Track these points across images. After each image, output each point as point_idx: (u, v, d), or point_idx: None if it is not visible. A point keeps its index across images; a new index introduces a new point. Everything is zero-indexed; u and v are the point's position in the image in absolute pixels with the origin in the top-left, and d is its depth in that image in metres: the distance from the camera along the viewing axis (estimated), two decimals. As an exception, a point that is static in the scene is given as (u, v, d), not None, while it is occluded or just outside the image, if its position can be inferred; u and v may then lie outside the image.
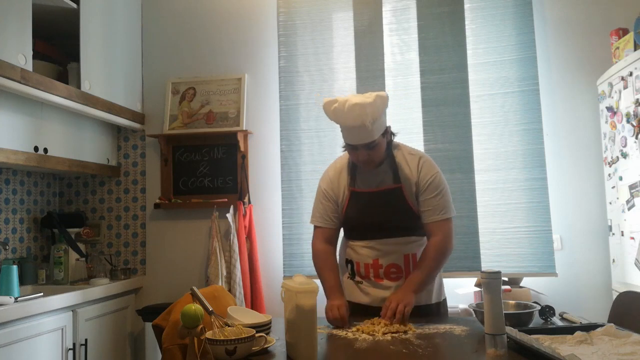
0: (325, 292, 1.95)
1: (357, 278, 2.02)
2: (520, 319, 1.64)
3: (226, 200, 3.17)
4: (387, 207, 1.96)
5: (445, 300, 2.10)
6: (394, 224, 1.96)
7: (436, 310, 2.02)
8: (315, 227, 2.08)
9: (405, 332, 1.68)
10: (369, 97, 1.82)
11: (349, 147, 1.93)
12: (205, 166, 3.31)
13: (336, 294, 1.91)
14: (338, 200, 2.02)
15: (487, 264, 2.91)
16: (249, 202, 3.22)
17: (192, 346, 1.33)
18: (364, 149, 1.88)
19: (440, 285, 2.08)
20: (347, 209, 2.01)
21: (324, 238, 2.04)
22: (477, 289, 2.83)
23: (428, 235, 1.98)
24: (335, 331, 1.74)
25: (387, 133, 1.96)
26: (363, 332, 1.68)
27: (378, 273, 1.97)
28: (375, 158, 1.93)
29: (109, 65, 3.07)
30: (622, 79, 2.49)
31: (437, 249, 1.93)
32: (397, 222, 1.97)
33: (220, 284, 2.96)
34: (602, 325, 1.49)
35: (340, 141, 3.08)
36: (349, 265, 2.04)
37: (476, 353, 1.45)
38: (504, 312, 1.42)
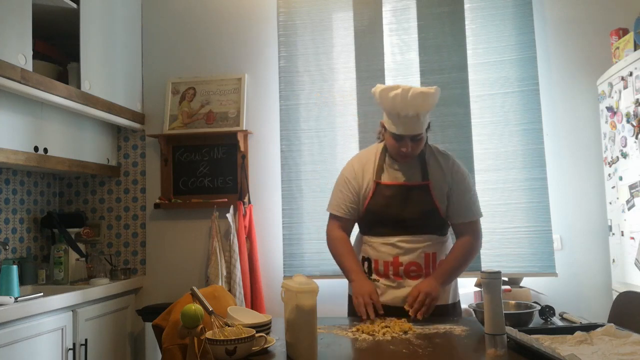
0: (348, 275, 1.93)
1: (374, 276, 1.98)
2: (520, 319, 1.64)
3: (226, 200, 3.17)
4: (411, 203, 1.94)
5: (459, 302, 2.10)
6: (418, 220, 1.94)
7: (452, 311, 2.02)
8: (332, 216, 2.06)
9: (405, 332, 1.68)
10: (431, 88, 1.84)
11: (395, 137, 1.90)
12: (205, 166, 3.31)
13: (363, 280, 1.87)
14: (360, 192, 2.00)
15: (487, 264, 2.91)
16: (249, 202, 3.22)
17: (192, 346, 1.33)
18: (410, 140, 1.88)
19: (457, 286, 2.08)
20: (369, 202, 1.98)
21: (339, 227, 2.03)
22: (477, 289, 2.83)
23: (458, 235, 2.00)
24: (335, 331, 1.73)
25: (429, 129, 1.98)
26: (363, 332, 1.68)
27: (398, 271, 1.94)
28: (416, 151, 1.93)
29: (109, 65, 3.07)
30: (622, 79, 2.49)
31: (468, 247, 1.95)
32: (421, 219, 1.94)
33: (220, 284, 2.96)
34: (602, 325, 1.49)
35: (340, 140, 3.07)
36: (366, 263, 2.01)
37: (476, 353, 1.45)
38: (504, 312, 1.42)
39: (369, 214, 1.99)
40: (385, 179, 1.98)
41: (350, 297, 2.08)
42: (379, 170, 1.99)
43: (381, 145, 2.05)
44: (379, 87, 1.90)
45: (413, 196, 1.94)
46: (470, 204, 1.99)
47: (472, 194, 2.01)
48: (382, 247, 1.96)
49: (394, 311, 1.85)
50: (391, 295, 1.94)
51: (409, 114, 1.82)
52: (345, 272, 1.96)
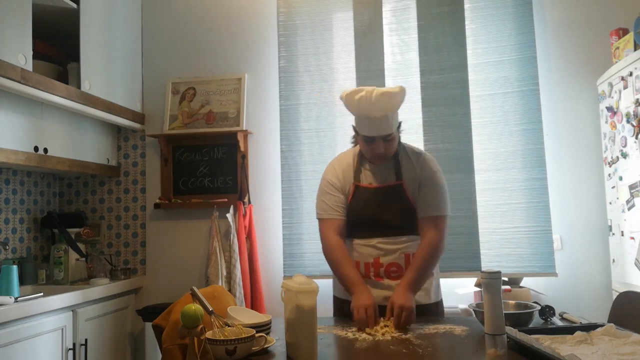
0: (349, 288, 1.89)
1: None
2: (520, 319, 1.64)
3: (226, 200, 3.17)
4: (389, 204, 1.96)
5: (442, 301, 2.09)
6: (396, 221, 1.96)
7: (434, 311, 2.02)
8: (324, 220, 2.01)
9: (405, 332, 1.68)
10: (394, 88, 1.85)
11: (366, 139, 1.92)
12: (205, 166, 3.31)
13: (363, 292, 1.84)
14: (345, 192, 2.00)
15: (487, 264, 2.91)
16: (249, 202, 3.22)
17: (192, 346, 1.33)
18: (382, 141, 1.89)
19: (438, 285, 2.07)
20: (350, 204, 1.99)
21: (336, 230, 1.99)
22: (477, 289, 2.83)
23: (421, 231, 1.96)
24: (335, 331, 1.73)
25: (399, 128, 1.98)
26: (363, 332, 1.68)
27: (379, 272, 1.96)
28: (389, 152, 1.94)
29: (109, 65, 3.07)
30: (622, 79, 2.49)
31: (431, 247, 1.92)
32: (399, 220, 1.96)
33: (220, 284, 2.96)
34: (602, 325, 1.49)
35: (340, 140, 3.07)
36: None
37: (476, 353, 1.45)
38: (504, 312, 1.42)
39: (349, 216, 2.00)
40: (363, 181, 2.00)
41: (335, 299, 2.10)
42: (357, 173, 2.01)
43: (357, 148, 2.07)
44: (344, 93, 1.91)
45: (389, 197, 1.96)
46: (436, 199, 1.96)
47: (440, 189, 1.98)
48: (363, 249, 1.98)
49: (379, 310, 1.84)
50: (374, 295, 1.92)
51: (377, 115, 1.83)
52: (345, 282, 1.93)
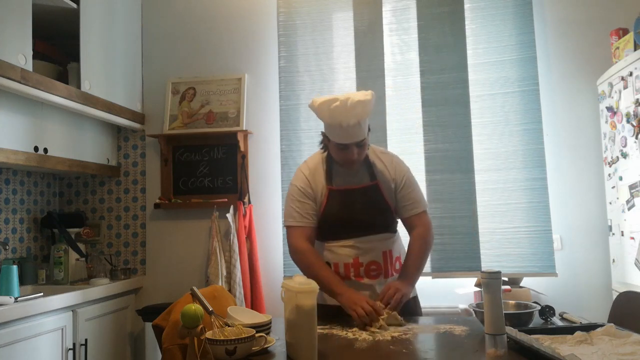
0: (331, 290, 1.87)
1: None
2: (520, 319, 1.64)
3: (226, 200, 3.17)
4: (366, 204, 1.98)
5: (417, 297, 2.10)
6: (373, 220, 1.99)
7: (412, 306, 2.02)
8: (292, 228, 2.01)
9: (400, 324, 1.71)
10: (366, 94, 1.86)
11: (339, 146, 1.92)
12: (205, 166, 3.31)
13: (348, 289, 1.85)
14: (316, 198, 2.01)
15: (487, 264, 2.91)
16: (249, 202, 3.22)
17: (192, 346, 1.33)
18: (355, 147, 1.91)
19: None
20: (325, 208, 1.99)
21: (305, 237, 1.98)
22: (477, 289, 2.83)
23: (410, 228, 2.04)
24: (335, 331, 1.73)
25: (369, 131, 1.99)
26: (363, 332, 1.68)
27: (358, 272, 1.96)
28: (362, 156, 1.97)
29: (109, 65, 3.07)
30: (622, 79, 2.49)
31: (423, 240, 2.00)
32: (376, 219, 1.99)
33: (220, 284, 2.96)
34: (602, 325, 1.49)
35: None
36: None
37: (476, 353, 1.45)
38: (504, 312, 1.42)
39: (325, 220, 2.01)
40: (337, 183, 2.01)
41: (321, 306, 1.93)
42: (329, 176, 2.02)
43: (325, 153, 2.07)
44: (316, 101, 1.90)
45: (366, 197, 1.99)
46: (417, 197, 2.05)
47: (416, 187, 2.07)
48: (341, 250, 1.99)
49: None
50: None
51: (351, 122, 1.84)
52: (325, 285, 1.89)
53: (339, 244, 2.00)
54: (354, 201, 1.98)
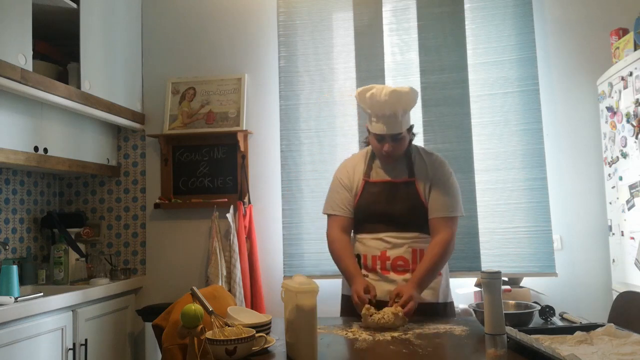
0: (348, 280, 1.97)
1: (363, 272, 2.02)
2: (520, 319, 1.64)
3: (226, 200, 3.17)
4: (398, 199, 2.00)
5: (452, 303, 2.11)
6: (405, 216, 1.99)
7: (443, 311, 2.02)
8: (331, 217, 2.10)
9: (402, 324, 1.71)
10: (404, 87, 1.92)
11: (377, 137, 1.97)
12: (205, 166, 3.31)
13: (360, 281, 1.90)
14: (353, 189, 2.06)
15: (487, 264, 2.91)
16: (249, 202, 3.22)
17: (192, 346, 1.33)
18: (391, 140, 1.94)
19: (447, 286, 2.08)
20: (359, 199, 2.04)
21: (340, 227, 2.06)
22: (477, 289, 2.83)
23: (432, 231, 2.00)
24: (335, 331, 1.74)
25: (411, 130, 2.04)
26: (363, 332, 1.68)
27: (385, 265, 1.98)
28: (398, 151, 1.99)
29: (109, 65, 3.07)
30: (622, 79, 2.49)
31: (442, 246, 1.95)
32: (408, 216, 1.99)
33: (220, 284, 2.96)
34: (602, 325, 1.49)
35: (339, 140, 3.09)
36: (357, 259, 2.05)
37: (476, 353, 1.45)
38: (504, 312, 1.42)
39: (358, 211, 2.06)
40: (374, 176, 2.06)
41: (343, 297, 2.14)
42: (368, 170, 2.08)
43: (369, 148, 2.14)
44: (357, 90, 1.99)
45: (400, 192, 2.01)
46: (448, 199, 2.01)
47: (452, 190, 2.04)
48: (371, 242, 2.02)
49: (382, 304, 1.86)
50: (379, 289, 1.95)
51: (386, 113, 1.90)
52: (344, 273, 2.00)
53: (369, 236, 2.03)
54: (387, 195, 2.01)
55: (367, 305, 1.78)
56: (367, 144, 2.14)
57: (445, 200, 2.00)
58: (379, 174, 2.06)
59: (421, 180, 2.01)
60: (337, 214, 2.07)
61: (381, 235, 2.00)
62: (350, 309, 1.96)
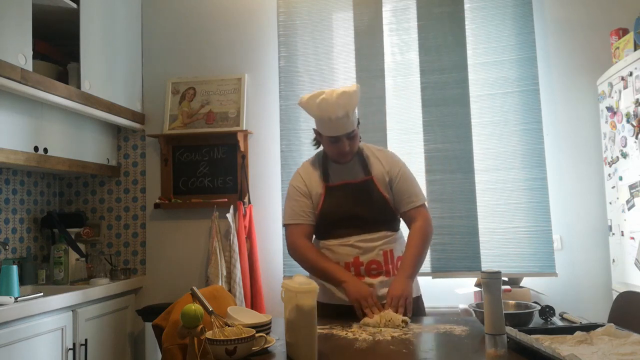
0: (337, 281, 1.90)
1: None
2: (520, 319, 1.64)
3: (226, 200, 3.17)
4: (362, 199, 2.00)
5: (421, 297, 2.10)
6: (371, 216, 1.99)
7: (415, 305, 1.99)
8: (291, 226, 2.04)
9: (405, 323, 1.71)
10: (351, 87, 1.93)
11: (331, 139, 1.97)
12: (205, 166, 3.31)
13: (354, 278, 1.90)
14: (312, 196, 2.04)
15: (487, 264, 2.91)
16: (249, 202, 3.22)
17: (192, 346, 1.33)
18: (346, 139, 1.96)
19: (416, 281, 2.07)
20: (323, 205, 2.02)
21: (304, 235, 2.02)
22: (477, 289, 2.83)
23: (409, 222, 2.04)
24: (335, 331, 1.73)
25: (359, 125, 2.04)
26: (363, 332, 1.68)
27: (359, 271, 1.97)
28: (354, 148, 2.01)
29: (109, 65, 3.07)
30: (622, 79, 2.49)
31: (422, 233, 1.99)
32: (373, 214, 2.00)
33: (220, 284, 2.96)
34: (602, 325, 1.49)
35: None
36: None
37: (476, 353, 1.45)
38: (504, 312, 1.42)
39: (323, 217, 2.03)
40: (334, 180, 2.05)
41: (321, 305, 1.88)
42: (325, 174, 2.06)
43: (320, 152, 2.14)
44: (303, 98, 1.98)
45: (362, 192, 2.01)
46: (414, 190, 2.05)
47: (412, 179, 2.08)
48: (341, 249, 1.99)
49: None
50: None
51: (339, 114, 1.90)
52: (329, 275, 1.94)
53: (338, 242, 2.00)
54: (350, 196, 2.00)
55: (381, 313, 1.76)
56: (317, 147, 2.12)
57: (412, 191, 2.04)
58: (337, 177, 2.05)
59: (379, 177, 2.02)
60: (299, 222, 2.02)
61: (351, 240, 1.98)
62: (325, 316, 1.85)
